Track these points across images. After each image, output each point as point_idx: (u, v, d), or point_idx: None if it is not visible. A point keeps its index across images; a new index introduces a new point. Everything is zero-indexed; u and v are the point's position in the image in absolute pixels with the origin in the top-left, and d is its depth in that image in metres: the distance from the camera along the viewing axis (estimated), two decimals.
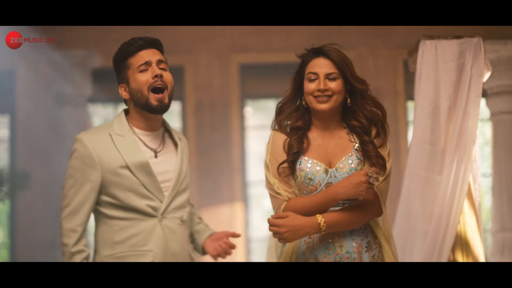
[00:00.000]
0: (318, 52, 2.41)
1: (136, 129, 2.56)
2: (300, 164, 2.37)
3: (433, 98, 3.18)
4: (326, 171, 2.37)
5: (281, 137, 2.43)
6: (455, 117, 3.15)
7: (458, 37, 3.20)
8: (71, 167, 2.49)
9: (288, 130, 2.43)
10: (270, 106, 5.93)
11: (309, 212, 2.31)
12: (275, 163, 2.38)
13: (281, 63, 5.41)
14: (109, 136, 2.51)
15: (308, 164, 2.37)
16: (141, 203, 2.47)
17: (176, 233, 2.51)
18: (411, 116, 5.54)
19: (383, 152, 2.37)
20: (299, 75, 2.44)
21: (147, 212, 2.48)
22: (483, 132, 5.82)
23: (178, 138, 2.63)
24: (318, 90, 2.36)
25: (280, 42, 5.63)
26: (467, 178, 3.16)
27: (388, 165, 2.35)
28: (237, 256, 5.26)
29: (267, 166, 2.42)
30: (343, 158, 2.38)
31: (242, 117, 5.74)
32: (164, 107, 2.51)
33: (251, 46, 5.66)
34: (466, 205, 3.23)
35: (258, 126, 5.88)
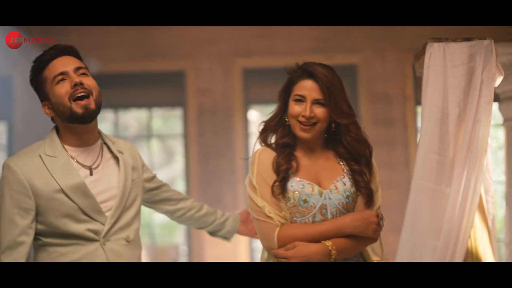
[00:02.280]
0: (307, 72, 2.26)
1: (68, 147, 2.37)
2: (292, 186, 2.24)
3: (441, 105, 3.00)
4: (321, 193, 2.25)
5: (269, 154, 2.29)
6: (465, 125, 2.97)
7: (467, 39, 3.01)
8: (2, 197, 2.29)
9: (274, 146, 2.29)
10: None
11: (310, 241, 2.21)
12: (263, 184, 2.24)
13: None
14: (40, 159, 2.32)
15: (301, 185, 2.24)
16: (80, 228, 2.29)
17: (121, 255, 2.33)
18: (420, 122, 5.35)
19: (373, 186, 2.31)
20: (286, 94, 2.30)
21: (87, 237, 2.30)
22: (496, 137, 5.63)
23: (117, 151, 2.43)
24: (303, 116, 2.23)
25: (284, 45, 5.47)
26: (478, 189, 2.98)
27: (376, 199, 2.31)
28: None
29: (253, 188, 2.26)
30: (336, 180, 2.29)
31: (245, 123, 5.58)
32: (92, 114, 2.32)
33: (254, 50, 5.51)
34: (477, 218, 3.06)
35: None
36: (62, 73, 2.31)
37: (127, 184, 2.40)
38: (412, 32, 5.16)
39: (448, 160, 2.99)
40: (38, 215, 2.30)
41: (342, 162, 2.33)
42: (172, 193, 2.71)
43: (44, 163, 2.30)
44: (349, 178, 2.31)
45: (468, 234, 2.96)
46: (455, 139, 2.99)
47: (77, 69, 2.34)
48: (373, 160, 2.37)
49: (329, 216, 2.26)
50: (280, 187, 2.23)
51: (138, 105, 5.77)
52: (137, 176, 2.47)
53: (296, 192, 2.23)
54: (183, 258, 5.61)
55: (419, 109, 5.47)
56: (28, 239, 2.28)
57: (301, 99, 2.24)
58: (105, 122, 5.67)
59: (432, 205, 3.00)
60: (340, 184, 2.29)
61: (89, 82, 2.34)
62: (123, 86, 5.51)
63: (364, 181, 2.29)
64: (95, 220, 2.31)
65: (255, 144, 2.35)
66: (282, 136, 2.30)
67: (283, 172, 2.23)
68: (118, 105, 5.67)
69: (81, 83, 2.30)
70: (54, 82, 2.31)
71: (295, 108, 2.25)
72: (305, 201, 2.23)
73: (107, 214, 2.34)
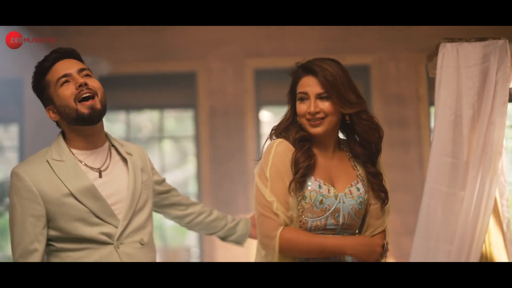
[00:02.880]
0: (307, 69, 2.22)
1: (75, 151, 2.33)
2: (310, 185, 2.19)
3: (454, 107, 2.94)
4: (336, 196, 2.21)
5: (287, 148, 2.21)
6: (479, 127, 2.91)
7: (481, 39, 2.95)
8: (12, 205, 2.27)
9: (292, 141, 2.22)
10: None
11: (302, 252, 2.17)
12: (277, 178, 2.17)
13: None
14: (47, 164, 2.29)
15: (318, 185, 2.20)
16: (92, 232, 2.25)
17: (136, 258, 2.29)
18: None
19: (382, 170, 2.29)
20: (292, 95, 2.27)
21: (100, 240, 2.26)
22: None
23: (125, 153, 2.40)
24: (309, 113, 2.19)
25: (296, 46, 5.42)
26: (493, 193, 2.92)
27: (388, 206, 2.30)
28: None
29: (264, 180, 2.18)
30: (351, 184, 2.24)
31: (257, 124, 5.53)
32: (98, 114, 2.30)
33: (265, 51, 5.47)
34: (492, 222, 3.00)
35: None
36: (65, 75, 2.29)
37: (136, 186, 2.36)
38: (426, 32, 5.10)
39: (462, 163, 2.93)
40: (49, 221, 2.27)
41: (357, 166, 2.29)
42: (181, 198, 2.67)
43: (52, 168, 2.28)
44: (362, 184, 2.27)
45: (483, 238, 2.90)
46: (469, 141, 2.94)
47: (81, 70, 2.32)
48: (382, 165, 2.34)
49: (340, 220, 2.21)
50: (299, 184, 2.17)
51: (150, 106, 5.75)
52: (147, 178, 2.44)
53: (313, 192, 2.19)
54: (194, 260, 5.57)
55: (432, 109, 5.39)
56: (41, 246, 2.25)
57: (305, 97, 2.20)
58: (118, 123, 5.66)
59: (445, 209, 2.94)
60: (354, 189, 2.25)
61: (94, 83, 2.32)
62: (134, 87, 5.49)
63: (379, 183, 2.27)
64: (108, 223, 2.28)
65: (264, 144, 2.28)
66: (298, 131, 2.23)
67: (304, 169, 2.17)
68: (129, 107, 5.65)
69: (85, 84, 2.28)
70: (58, 85, 2.29)
71: (301, 107, 2.21)
72: (321, 202, 2.19)
73: (119, 216, 2.30)
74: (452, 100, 2.95)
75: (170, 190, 2.63)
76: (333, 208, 2.20)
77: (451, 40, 2.97)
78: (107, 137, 2.42)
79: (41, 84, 2.34)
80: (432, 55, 3.07)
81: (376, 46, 5.40)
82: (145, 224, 2.37)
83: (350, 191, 2.24)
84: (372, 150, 2.29)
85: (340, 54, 5.38)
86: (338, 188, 2.23)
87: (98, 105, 2.29)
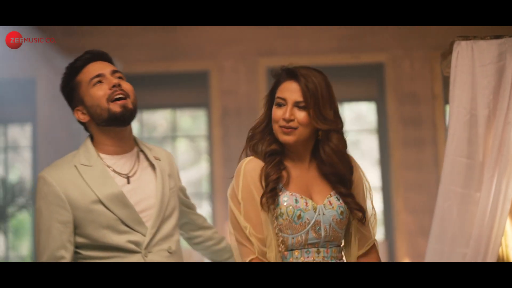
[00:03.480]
0: (290, 74, 2.13)
1: (104, 155, 2.28)
2: (285, 200, 2.09)
3: (469, 106, 2.87)
4: (315, 208, 2.11)
5: (257, 165, 2.11)
6: (495, 127, 2.84)
7: (497, 37, 2.88)
8: (38, 211, 2.22)
9: (263, 156, 2.12)
10: None
11: None
12: (249, 199, 2.08)
13: (310, 66, 5.12)
14: (75, 169, 2.24)
15: (295, 200, 2.09)
16: (120, 240, 2.20)
17: None
18: None
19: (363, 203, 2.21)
20: (271, 98, 2.17)
21: (128, 249, 2.21)
22: None
23: (154, 158, 2.35)
24: (284, 119, 2.09)
25: (309, 45, 5.37)
26: (510, 194, 2.85)
27: (367, 215, 2.22)
28: None
29: (236, 203, 2.10)
30: (330, 194, 2.15)
31: None
32: (130, 114, 2.27)
33: (278, 49, 5.41)
34: (508, 224, 2.93)
35: None
36: (99, 75, 2.27)
37: (165, 192, 2.31)
38: (441, 30, 5.01)
39: (477, 164, 2.87)
40: (76, 228, 2.21)
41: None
42: (197, 218, 2.59)
43: (79, 173, 2.23)
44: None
45: (499, 240, 2.83)
46: (484, 142, 2.87)
47: (114, 72, 2.30)
48: (361, 175, 2.25)
49: (322, 233, 2.11)
50: (271, 199, 2.07)
51: (162, 106, 5.73)
52: (174, 185, 2.38)
53: (290, 207, 2.08)
54: (207, 260, 5.53)
55: (448, 108, 5.33)
56: (68, 254, 2.20)
57: (282, 102, 2.11)
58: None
59: (461, 211, 2.88)
60: (334, 199, 2.15)
61: (126, 85, 2.30)
62: (147, 87, 5.47)
63: (354, 202, 2.16)
64: (136, 231, 2.22)
65: (241, 155, 2.18)
66: (270, 144, 2.14)
67: (273, 183, 2.07)
68: (142, 106, 5.61)
69: (119, 85, 2.26)
70: (90, 85, 2.26)
71: (276, 112, 2.12)
72: (299, 217, 2.08)
73: (147, 224, 2.24)
74: (467, 100, 2.88)
75: (190, 205, 2.56)
76: (312, 222, 2.09)
77: (466, 38, 2.90)
78: (135, 141, 2.38)
79: (71, 85, 2.30)
80: (446, 54, 3.01)
81: (390, 44, 5.33)
82: (173, 232, 2.32)
83: (329, 201, 2.14)
84: (340, 174, 2.17)
85: (354, 52, 5.35)
86: (316, 200, 2.13)
87: (130, 105, 2.27)
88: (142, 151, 2.37)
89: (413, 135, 5.32)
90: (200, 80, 5.48)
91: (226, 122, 5.41)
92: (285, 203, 2.08)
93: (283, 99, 2.11)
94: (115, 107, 2.24)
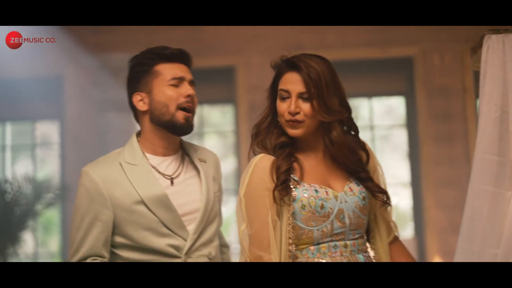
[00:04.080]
0: (291, 64, 2.03)
1: (149, 155, 2.23)
2: (305, 192, 2.00)
3: (500, 102, 2.78)
4: (336, 196, 2.02)
5: (269, 161, 2.02)
6: None
7: None
8: (78, 207, 2.16)
9: (273, 150, 2.04)
10: None
11: None
12: (253, 197, 1.98)
13: (337, 61, 5.00)
14: (120, 167, 2.18)
15: (314, 190, 2.01)
16: (161, 243, 2.15)
17: None
18: None
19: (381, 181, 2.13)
20: (273, 90, 2.09)
21: (168, 253, 2.15)
22: None
23: (199, 160, 2.30)
24: (289, 113, 2.00)
25: (336, 38, 5.29)
26: None
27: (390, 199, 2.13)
28: None
29: (250, 203, 2.00)
30: (349, 180, 2.07)
31: None
32: (190, 128, 2.24)
33: (305, 44, 5.34)
34: None
35: None
36: (181, 78, 2.23)
37: (209, 197, 2.25)
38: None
39: (508, 161, 2.77)
40: (116, 228, 2.16)
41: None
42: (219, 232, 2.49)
43: (124, 172, 2.17)
44: None
45: None
46: None
47: (192, 82, 2.27)
48: (375, 159, 2.18)
49: (347, 221, 2.04)
50: (283, 191, 1.97)
51: None
52: (218, 189, 2.34)
53: (312, 198, 1.99)
54: (234, 257, 5.51)
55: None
56: (107, 254, 2.16)
57: (286, 95, 2.02)
58: None
59: (491, 210, 2.78)
60: (354, 185, 2.08)
61: (195, 101, 2.27)
62: None
63: (374, 185, 2.10)
64: (177, 235, 2.17)
65: (249, 153, 2.11)
66: (278, 136, 2.05)
67: (283, 174, 1.97)
68: None
69: (193, 98, 2.23)
70: (168, 81, 2.21)
71: (281, 105, 2.04)
72: (322, 206, 1.99)
73: (189, 228, 2.19)
74: (498, 96, 2.79)
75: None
76: (336, 210, 2.01)
77: (497, 31, 2.81)
78: (181, 143, 2.34)
79: (146, 68, 2.24)
80: (476, 48, 2.92)
81: (419, 37, 5.22)
82: (214, 237, 2.27)
83: (349, 188, 2.06)
84: (350, 164, 2.09)
85: (382, 46, 5.26)
86: (335, 188, 2.05)
87: (192, 121, 2.24)
88: (187, 153, 2.32)
89: (443, 130, 5.22)
90: (227, 76, 5.44)
91: (253, 118, 5.33)
92: (306, 195, 2.00)
93: (286, 91, 2.03)
94: (180, 117, 2.20)
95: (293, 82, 2.01)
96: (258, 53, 5.37)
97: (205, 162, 2.32)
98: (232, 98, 5.46)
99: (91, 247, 2.14)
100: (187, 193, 2.23)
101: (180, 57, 2.28)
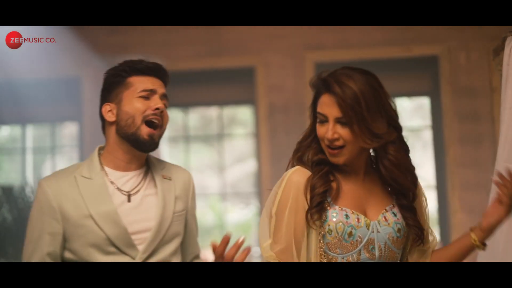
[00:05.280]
0: (326, 86, 1.87)
1: (109, 170, 2.17)
2: (334, 216, 1.86)
3: None
4: (368, 225, 1.87)
5: (303, 175, 1.90)
6: None
7: None
8: (31, 218, 2.15)
9: (310, 165, 1.92)
10: None
11: None
12: (284, 217, 1.87)
13: (359, 60, 4.92)
14: (74, 180, 2.14)
15: (345, 215, 1.87)
16: (106, 261, 2.07)
17: None
18: None
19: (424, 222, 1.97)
20: (314, 110, 1.95)
21: None
22: None
23: (162, 176, 2.21)
24: (327, 139, 1.86)
25: (358, 38, 5.14)
26: None
27: (428, 236, 1.99)
28: None
29: (275, 219, 1.90)
30: (385, 209, 1.91)
31: None
32: (153, 146, 2.17)
33: (326, 43, 5.21)
34: None
35: None
36: (152, 91, 2.18)
37: (166, 216, 2.17)
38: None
39: None
40: (66, 242, 2.13)
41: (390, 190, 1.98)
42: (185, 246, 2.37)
43: (77, 185, 2.14)
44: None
45: None
46: None
47: (164, 96, 2.21)
48: (421, 191, 2.02)
49: (376, 253, 1.89)
50: (315, 215, 1.85)
51: (207, 103, 5.62)
52: (183, 208, 2.24)
53: (340, 224, 1.86)
54: (255, 260, 5.42)
55: None
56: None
57: (323, 119, 1.89)
58: (171, 122, 5.56)
59: None
60: (390, 215, 1.93)
61: (166, 116, 2.21)
62: (191, 84, 5.37)
63: (413, 218, 1.93)
64: (125, 253, 2.10)
65: (287, 168, 1.99)
66: (317, 152, 1.93)
67: (319, 196, 1.85)
68: (187, 104, 5.53)
69: (161, 112, 2.17)
70: (137, 94, 2.17)
71: (319, 129, 1.91)
72: (350, 234, 1.86)
73: (140, 247, 2.12)
74: None
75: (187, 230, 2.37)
76: (365, 240, 1.88)
77: None
78: (147, 159, 2.27)
79: (118, 80, 2.20)
80: (499, 50, 2.78)
81: (444, 35, 5.04)
82: (170, 258, 2.18)
83: (384, 217, 1.92)
84: (404, 187, 1.95)
85: (406, 45, 5.10)
86: (370, 216, 1.91)
87: (157, 139, 2.18)
88: (152, 169, 2.25)
89: (470, 131, 5.05)
90: (246, 76, 5.34)
91: (273, 119, 5.26)
92: (334, 219, 1.87)
93: (324, 115, 1.89)
94: (144, 133, 2.15)
95: (329, 106, 1.87)
96: (278, 53, 5.26)
97: (169, 179, 2.24)
98: (251, 99, 5.36)
99: (38, 258, 2.13)
100: (142, 210, 2.16)
101: (154, 71, 2.23)
